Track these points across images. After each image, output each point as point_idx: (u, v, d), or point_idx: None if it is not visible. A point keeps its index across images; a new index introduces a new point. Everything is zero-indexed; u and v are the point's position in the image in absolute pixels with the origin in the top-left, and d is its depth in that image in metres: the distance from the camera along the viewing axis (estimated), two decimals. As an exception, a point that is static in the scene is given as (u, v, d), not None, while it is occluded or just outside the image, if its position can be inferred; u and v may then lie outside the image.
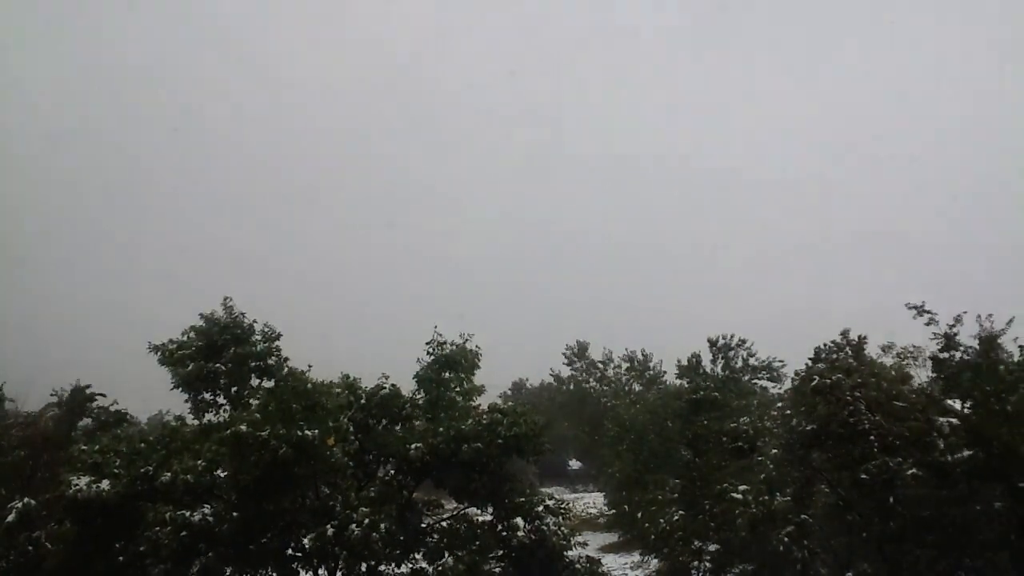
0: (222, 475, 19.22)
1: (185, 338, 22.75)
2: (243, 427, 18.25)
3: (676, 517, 20.53)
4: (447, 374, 22.47)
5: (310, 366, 22.37)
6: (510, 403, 22.49)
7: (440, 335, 22.92)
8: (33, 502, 24.22)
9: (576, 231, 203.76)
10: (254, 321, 23.26)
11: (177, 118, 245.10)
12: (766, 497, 18.98)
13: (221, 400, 22.94)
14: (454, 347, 22.70)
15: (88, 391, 42.39)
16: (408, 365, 23.17)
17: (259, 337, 23.00)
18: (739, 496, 19.18)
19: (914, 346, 23.90)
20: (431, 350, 22.83)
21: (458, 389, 22.32)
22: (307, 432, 18.21)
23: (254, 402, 21.23)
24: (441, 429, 20.27)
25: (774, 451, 20.33)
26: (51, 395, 39.73)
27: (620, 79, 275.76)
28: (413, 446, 19.73)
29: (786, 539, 18.03)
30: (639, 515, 22.47)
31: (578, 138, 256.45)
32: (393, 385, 21.77)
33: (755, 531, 18.53)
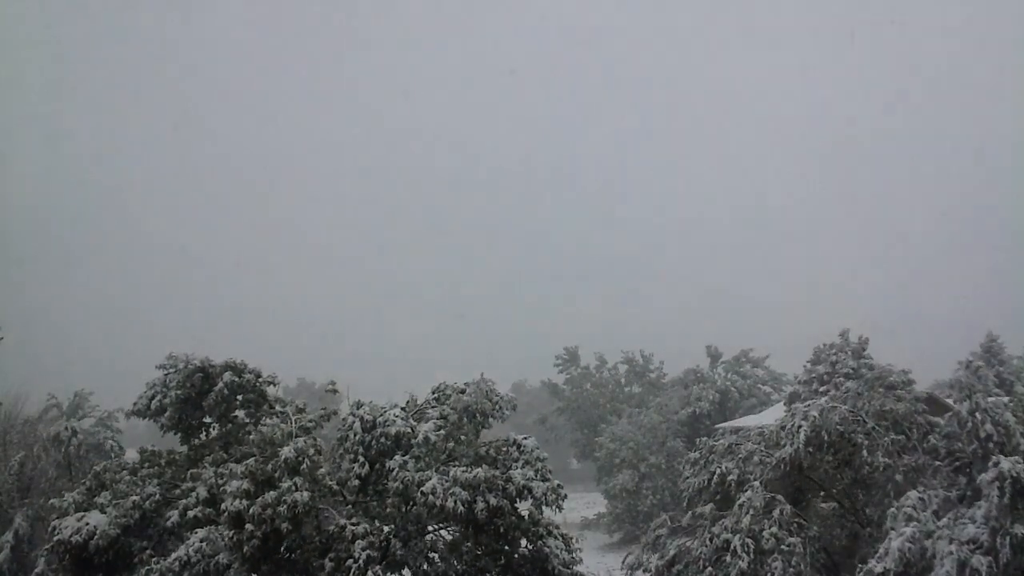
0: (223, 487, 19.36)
1: (153, 391, 23.01)
2: (235, 502, 18.16)
3: (672, 552, 20.87)
4: (474, 412, 22.11)
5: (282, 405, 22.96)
6: (528, 438, 22.13)
7: (490, 380, 22.54)
8: (26, 523, 24.29)
9: (573, 232, 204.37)
10: (208, 357, 23.30)
11: (177, 116, 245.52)
12: (751, 540, 19.21)
13: (208, 419, 23.21)
14: (498, 396, 22.36)
15: (88, 395, 42.24)
16: (403, 357, 22.69)
17: (218, 367, 23.00)
18: (729, 536, 19.48)
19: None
20: (471, 391, 22.23)
21: (477, 419, 21.96)
22: (296, 497, 18.04)
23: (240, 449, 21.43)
24: (458, 474, 19.68)
25: (756, 482, 20.44)
26: (48, 398, 39.59)
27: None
28: (429, 492, 19.09)
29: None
30: (641, 550, 22.86)
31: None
32: (407, 405, 21.39)
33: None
